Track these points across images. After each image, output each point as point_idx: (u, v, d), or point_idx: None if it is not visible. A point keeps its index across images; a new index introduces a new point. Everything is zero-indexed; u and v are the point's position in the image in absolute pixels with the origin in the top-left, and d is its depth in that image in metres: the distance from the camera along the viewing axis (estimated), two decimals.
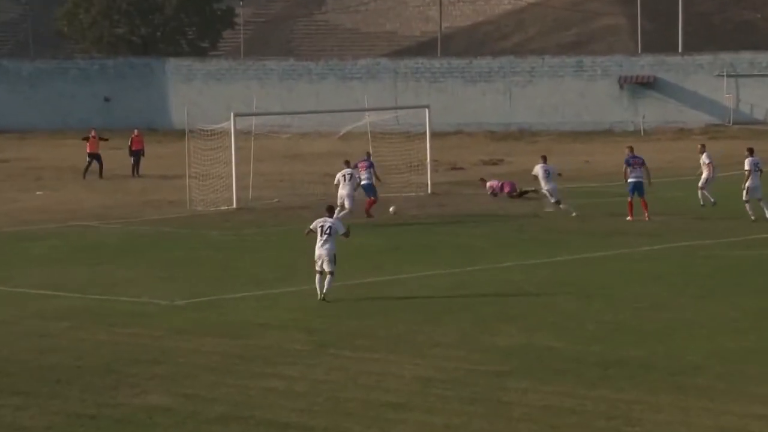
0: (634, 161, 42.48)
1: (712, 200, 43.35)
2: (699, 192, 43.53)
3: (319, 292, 28.68)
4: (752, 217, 40.40)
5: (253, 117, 57.09)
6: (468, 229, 41.87)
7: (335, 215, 32.07)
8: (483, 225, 42.80)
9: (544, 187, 43.37)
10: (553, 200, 43.25)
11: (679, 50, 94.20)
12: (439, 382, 21.68)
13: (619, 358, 23.13)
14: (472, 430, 18.96)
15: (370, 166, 45.32)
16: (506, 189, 49.86)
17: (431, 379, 21.88)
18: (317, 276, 28.89)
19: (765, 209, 40.33)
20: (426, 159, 52.78)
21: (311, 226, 29.47)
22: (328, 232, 28.93)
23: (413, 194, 50.55)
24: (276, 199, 49.94)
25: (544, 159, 44.14)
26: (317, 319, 27.27)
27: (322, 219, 29.36)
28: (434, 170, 54.53)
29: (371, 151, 48.59)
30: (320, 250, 28.87)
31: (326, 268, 28.76)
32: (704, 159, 44.09)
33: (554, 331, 25.61)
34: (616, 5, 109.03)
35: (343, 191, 43.06)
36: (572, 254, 35.70)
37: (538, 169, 43.40)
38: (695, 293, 29.59)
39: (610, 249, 36.57)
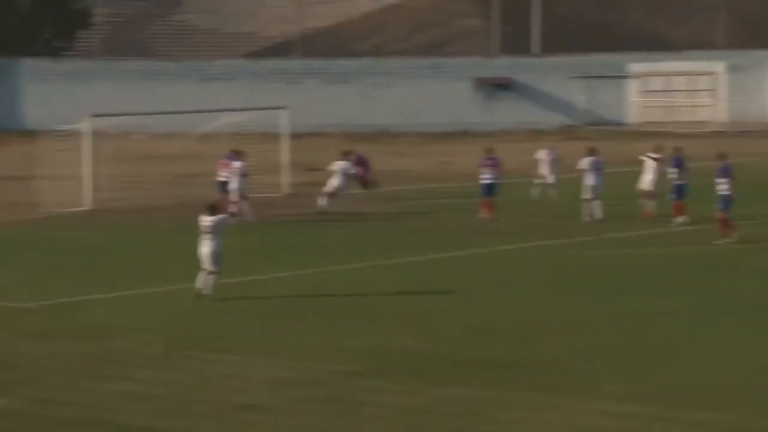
0: (488, 162, 42.80)
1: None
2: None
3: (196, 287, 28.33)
4: (586, 218, 40.89)
5: (110, 117, 56.51)
6: (326, 230, 41.87)
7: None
8: (341, 226, 42.79)
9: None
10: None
11: (534, 52, 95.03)
12: (294, 383, 21.65)
13: (472, 357, 23.27)
14: (324, 430, 18.96)
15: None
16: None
17: (285, 380, 21.84)
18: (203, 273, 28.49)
19: (596, 209, 40.76)
20: (284, 160, 52.63)
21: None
22: (208, 231, 28.51)
23: (271, 195, 50.37)
24: (128, 201, 49.40)
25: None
26: (171, 322, 27.11)
27: (204, 218, 28.88)
28: (292, 171, 54.41)
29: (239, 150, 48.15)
30: (202, 249, 28.52)
31: (207, 267, 28.46)
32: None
33: (409, 331, 25.68)
34: (473, 7, 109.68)
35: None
36: (428, 255, 35.83)
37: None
38: (547, 293, 29.88)
39: (465, 249, 36.76)
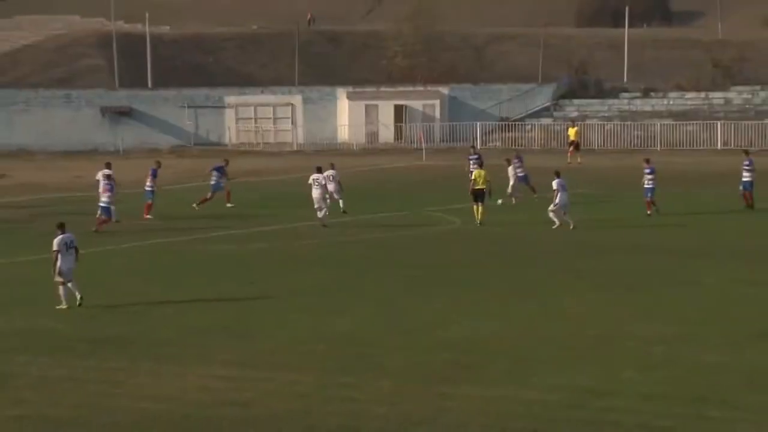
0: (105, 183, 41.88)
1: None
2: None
3: (64, 302, 25.64)
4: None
5: None
6: None
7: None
8: None
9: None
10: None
11: (149, 86, 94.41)
12: None
13: (106, 335, 23.02)
14: None
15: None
16: None
17: None
18: (62, 288, 25.78)
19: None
20: None
21: (55, 248, 25.89)
22: (71, 245, 26.06)
23: None
24: None
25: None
26: None
27: (60, 236, 25.99)
28: None
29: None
30: (67, 264, 25.84)
31: (70, 276, 25.93)
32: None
33: (51, 315, 25.13)
34: (96, 49, 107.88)
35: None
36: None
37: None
38: (165, 281, 29.67)
39: (98, 246, 35.94)
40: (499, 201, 44.64)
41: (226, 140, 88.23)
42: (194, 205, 45.05)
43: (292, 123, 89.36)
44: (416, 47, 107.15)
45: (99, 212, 40.60)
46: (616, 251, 33.65)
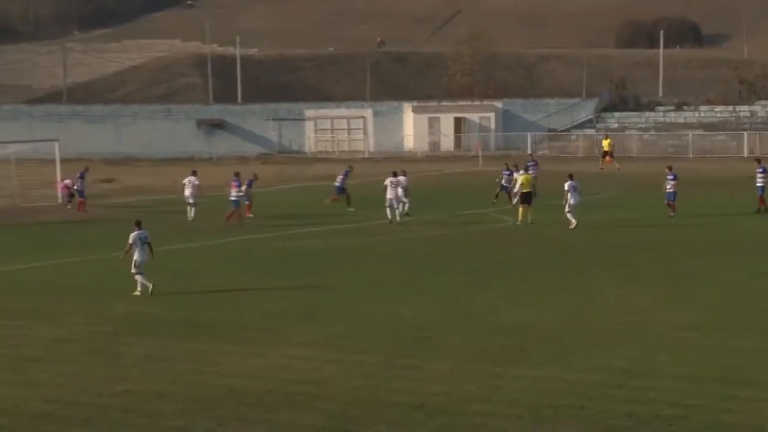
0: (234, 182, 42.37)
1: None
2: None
3: (139, 289, 25.92)
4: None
5: None
6: (88, 229, 40.76)
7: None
8: (99, 226, 41.67)
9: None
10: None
11: (239, 101, 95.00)
12: (68, 341, 21.13)
13: (198, 319, 23.14)
14: (93, 374, 18.57)
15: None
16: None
17: (61, 339, 21.29)
18: (138, 276, 25.98)
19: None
20: (57, 179, 51.05)
21: (131, 241, 26.19)
22: (144, 241, 26.30)
23: (46, 204, 48.83)
24: None
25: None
26: None
27: (136, 233, 26.31)
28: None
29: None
30: (141, 257, 26.08)
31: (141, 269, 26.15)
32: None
33: (151, 301, 25.32)
34: (193, 69, 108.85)
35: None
36: (167, 246, 35.17)
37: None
38: (253, 272, 29.85)
39: (193, 242, 36.30)
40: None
41: (306, 149, 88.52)
42: (325, 200, 45.42)
43: (363, 133, 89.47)
44: (474, 66, 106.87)
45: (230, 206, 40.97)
46: (645, 248, 33.27)
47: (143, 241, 26.28)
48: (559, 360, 19.08)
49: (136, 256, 26.06)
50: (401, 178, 41.76)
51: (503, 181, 46.25)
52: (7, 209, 47.29)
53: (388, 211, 40.40)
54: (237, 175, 42.34)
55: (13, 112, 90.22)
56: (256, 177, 45.01)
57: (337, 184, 46.17)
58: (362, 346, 20.38)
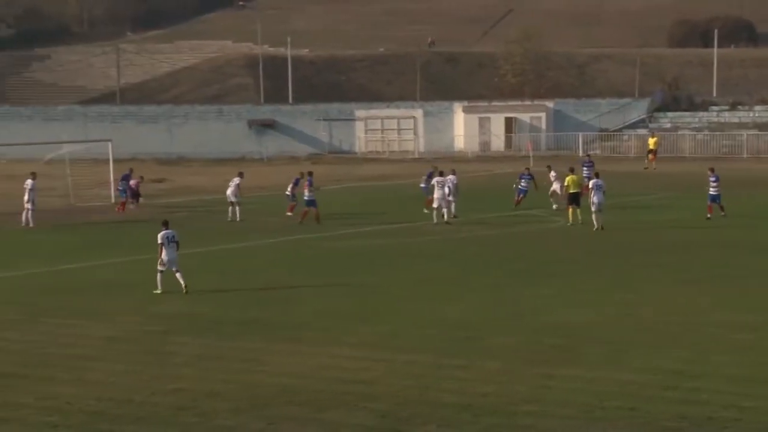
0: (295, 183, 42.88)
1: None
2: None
3: (160, 287, 26.16)
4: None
5: None
6: (140, 229, 41.07)
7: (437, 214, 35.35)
8: (152, 226, 41.89)
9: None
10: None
11: (290, 101, 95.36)
12: (121, 340, 21.31)
13: (250, 318, 23.24)
14: (146, 373, 18.71)
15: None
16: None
17: (114, 338, 21.48)
18: (159, 275, 26.28)
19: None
20: (110, 179, 51.54)
21: (160, 241, 26.40)
22: (173, 240, 26.59)
23: (99, 204, 49.32)
24: None
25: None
26: (28, 296, 26.30)
27: (164, 232, 26.56)
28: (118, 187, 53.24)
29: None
30: (168, 255, 26.34)
31: (175, 267, 26.40)
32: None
33: (203, 301, 25.46)
34: (245, 69, 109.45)
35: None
36: (217, 246, 35.57)
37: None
38: (302, 272, 29.94)
39: (244, 241, 36.57)
40: (555, 206, 43.59)
41: (356, 149, 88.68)
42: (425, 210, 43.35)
43: (413, 134, 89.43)
44: (525, 66, 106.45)
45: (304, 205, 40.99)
46: (699, 247, 32.98)
47: (170, 240, 26.58)
48: (610, 360, 18.95)
49: (164, 255, 26.37)
50: (450, 177, 41.53)
51: (521, 185, 45.08)
52: (61, 209, 47.82)
53: (434, 212, 40.28)
54: (310, 174, 42.27)
55: (68, 113, 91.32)
56: (302, 175, 45.29)
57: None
58: (412, 345, 20.37)
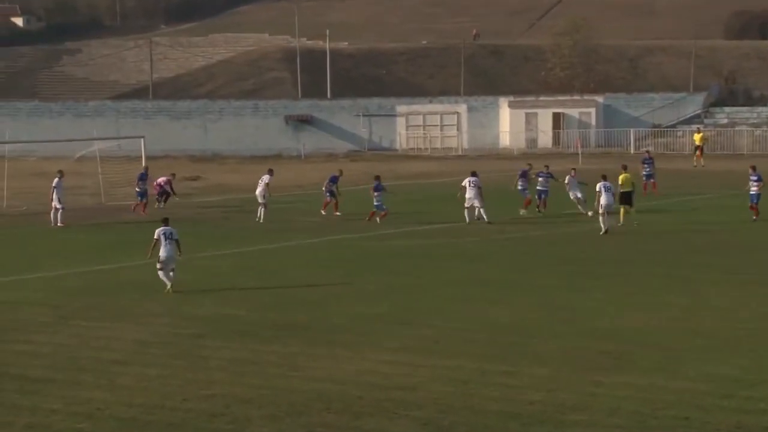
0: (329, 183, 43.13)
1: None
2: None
3: (168, 283, 26.67)
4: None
5: (6, 144, 55.17)
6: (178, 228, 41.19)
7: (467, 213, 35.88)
8: (186, 225, 42.11)
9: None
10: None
11: (328, 96, 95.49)
12: (152, 343, 21.37)
13: (287, 321, 23.24)
14: (178, 378, 18.74)
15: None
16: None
17: (146, 341, 21.54)
18: (161, 272, 26.79)
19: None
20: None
21: (155, 237, 26.87)
22: (169, 237, 27.00)
23: (131, 202, 49.48)
24: (24, 207, 48.26)
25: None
26: (58, 298, 26.46)
27: (161, 228, 27.03)
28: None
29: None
30: (166, 253, 26.75)
31: (172, 266, 26.83)
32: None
33: (238, 302, 25.54)
34: (282, 63, 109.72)
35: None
36: (254, 246, 35.67)
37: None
38: (341, 273, 29.92)
39: (281, 242, 36.65)
40: (522, 212, 42.50)
41: (397, 146, 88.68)
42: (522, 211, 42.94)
43: (457, 130, 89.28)
44: (573, 59, 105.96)
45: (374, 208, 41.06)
46: (754, 249, 32.61)
47: (168, 238, 26.77)
48: (664, 367, 18.77)
49: (162, 253, 26.60)
50: (473, 179, 40.57)
51: (539, 185, 43.41)
52: (92, 208, 48.14)
53: (466, 212, 40.07)
54: (378, 178, 41.80)
55: (100, 108, 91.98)
56: (340, 172, 45.44)
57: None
58: (455, 350, 20.29)
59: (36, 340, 21.77)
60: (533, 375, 18.38)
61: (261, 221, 41.80)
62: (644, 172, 49.79)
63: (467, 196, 40.24)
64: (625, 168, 40.47)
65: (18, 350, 20.84)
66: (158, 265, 26.83)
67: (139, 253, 33.76)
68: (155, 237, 26.89)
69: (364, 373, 18.78)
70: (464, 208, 40.42)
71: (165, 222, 27.45)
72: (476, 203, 40.22)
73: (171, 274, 26.74)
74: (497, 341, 20.96)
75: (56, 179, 42.50)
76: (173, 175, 49.63)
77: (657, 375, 18.26)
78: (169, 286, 26.54)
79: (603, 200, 36.93)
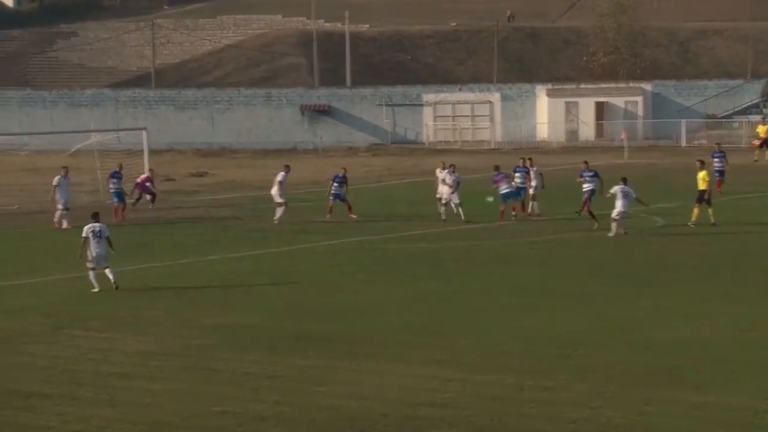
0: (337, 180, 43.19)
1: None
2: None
3: (96, 285, 27.51)
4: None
5: None
6: (180, 230, 41.46)
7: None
8: (192, 226, 42.43)
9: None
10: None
11: (348, 84, 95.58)
12: (158, 355, 21.46)
13: (305, 331, 23.30)
14: (186, 393, 18.81)
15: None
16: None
17: (151, 352, 21.64)
18: (91, 273, 27.57)
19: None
20: (145, 172, 51.93)
21: (84, 235, 27.56)
22: (99, 234, 27.55)
23: (133, 200, 49.67)
24: (16, 206, 48.50)
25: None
26: (53, 305, 26.61)
27: (90, 225, 27.64)
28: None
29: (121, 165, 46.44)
30: (99, 251, 27.44)
31: (105, 264, 27.59)
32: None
33: (251, 310, 25.62)
34: (297, 48, 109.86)
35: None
36: (267, 249, 35.77)
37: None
38: (363, 278, 29.98)
39: (297, 244, 36.73)
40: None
41: (423, 138, 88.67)
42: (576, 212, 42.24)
43: (490, 121, 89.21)
44: (618, 43, 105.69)
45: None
46: None
47: (97, 234, 27.27)
48: (721, 383, 18.75)
49: (92, 251, 27.21)
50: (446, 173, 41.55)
51: (586, 184, 41.46)
52: (89, 206, 48.22)
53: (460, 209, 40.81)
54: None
55: (97, 98, 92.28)
56: (346, 172, 45.54)
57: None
58: (490, 363, 20.31)
59: (30, 351, 21.90)
60: (575, 390, 18.39)
61: (276, 222, 41.83)
62: (715, 168, 48.53)
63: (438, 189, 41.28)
64: (702, 164, 39.90)
65: (10, 363, 20.97)
66: (89, 265, 27.33)
67: (141, 257, 33.96)
68: (83, 235, 27.41)
69: (390, 388, 18.82)
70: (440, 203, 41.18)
71: (95, 218, 27.83)
72: (452, 199, 41.10)
73: (109, 272, 27.30)
74: (535, 353, 20.97)
75: (58, 177, 42.40)
76: (152, 171, 49.53)
77: (713, 391, 18.24)
78: (113, 283, 27.08)
79: (618, 206, 36.74)
